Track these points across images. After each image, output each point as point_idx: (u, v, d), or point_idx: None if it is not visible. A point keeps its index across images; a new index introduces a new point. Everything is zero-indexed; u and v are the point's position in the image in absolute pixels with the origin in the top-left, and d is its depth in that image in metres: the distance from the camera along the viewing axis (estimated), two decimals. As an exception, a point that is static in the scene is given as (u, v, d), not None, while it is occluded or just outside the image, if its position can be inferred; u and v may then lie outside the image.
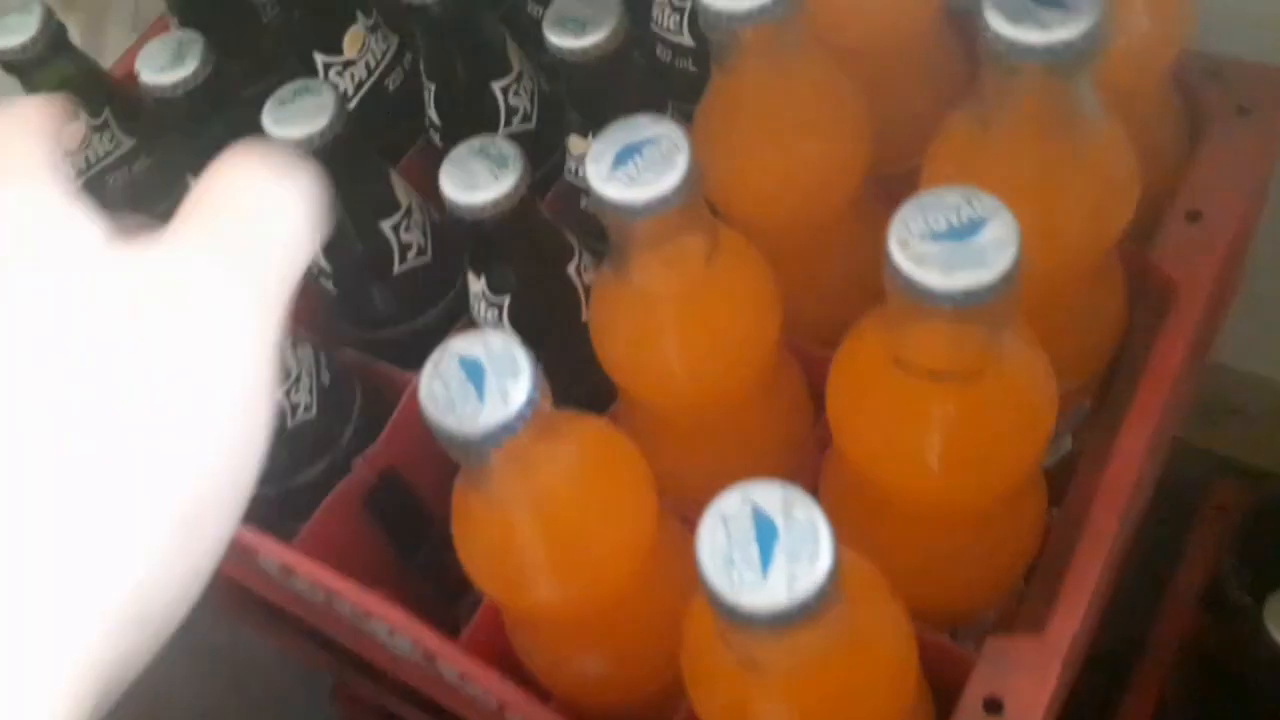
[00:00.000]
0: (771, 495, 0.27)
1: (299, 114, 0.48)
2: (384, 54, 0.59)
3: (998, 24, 0.32)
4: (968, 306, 0.29)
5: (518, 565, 0.36)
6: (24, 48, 0.56)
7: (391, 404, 0.54)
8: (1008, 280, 0.28)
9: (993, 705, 0.38)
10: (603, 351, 0.40)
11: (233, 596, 0.81)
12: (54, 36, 0.57)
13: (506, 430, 0.31)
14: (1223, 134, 0.46)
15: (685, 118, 0.54)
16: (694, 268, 0.36)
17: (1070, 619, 0.38)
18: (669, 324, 0.38)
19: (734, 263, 0.38)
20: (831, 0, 0.42)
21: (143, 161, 0.62)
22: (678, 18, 0.53)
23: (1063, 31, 0.31)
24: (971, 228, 0.29)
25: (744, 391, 0.40)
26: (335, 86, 0.49)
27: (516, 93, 0.55)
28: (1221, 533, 0.72)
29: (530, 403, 0.31)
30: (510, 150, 0.44)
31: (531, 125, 0.56)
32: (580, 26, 0.46)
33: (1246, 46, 0.47)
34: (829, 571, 0.26)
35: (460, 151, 0.45)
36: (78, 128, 0.60)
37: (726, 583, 0.26)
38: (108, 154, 0.61)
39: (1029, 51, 0.31)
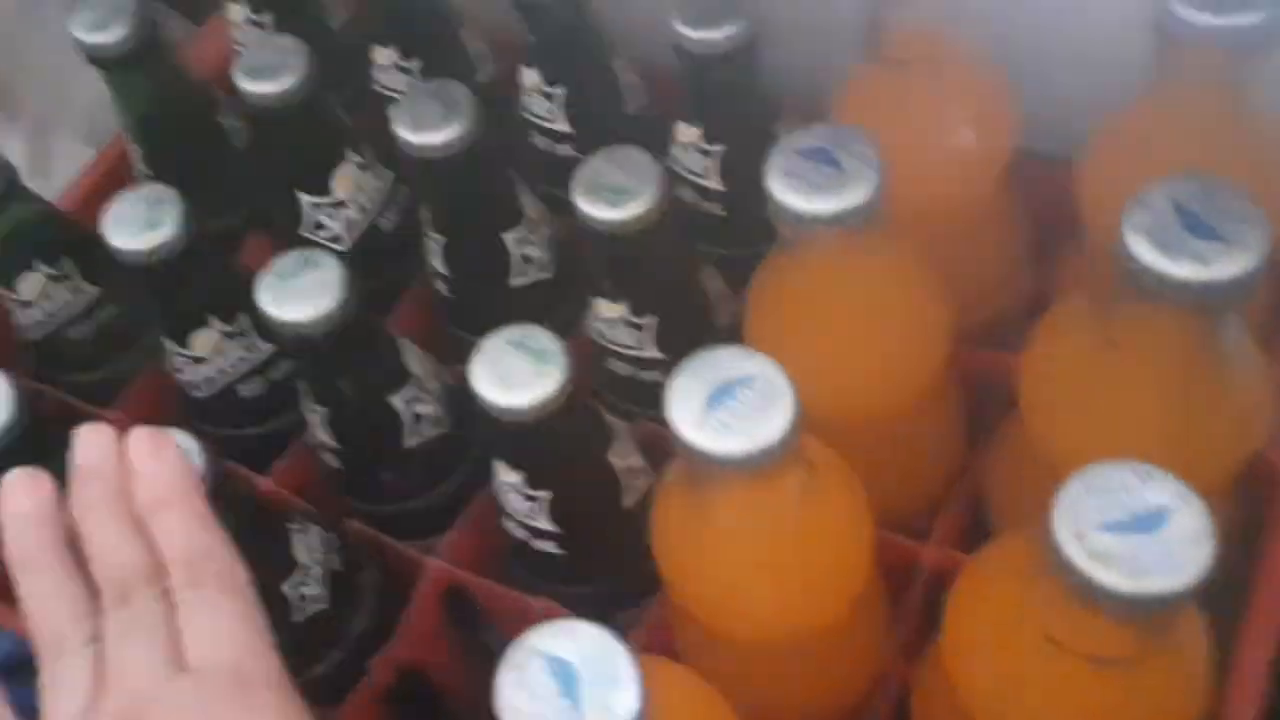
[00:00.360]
0: None
1: (302, 292, 0.43)
2: (378, 193, 0.54)
3: (1146, 255, 0.28)
4: (1156, 610, 0.25)
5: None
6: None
7: (402, 583, 0.49)
8: (1204, 579, 0.25)
9: None
10: (676, 582, 0.36)
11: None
12: (7, 182, 0.51)
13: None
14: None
15: (709, 264, 0.50)
16: (788, 507, 0.32)
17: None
18: (759, 563, 0.33)
19: (830, 494, 0.33)
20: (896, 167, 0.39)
21: (108, 311, 0.56)
22: (706, 161, 0.49)
23: (1224, 268, 0.28)
24: (1156, 518, 0.25)
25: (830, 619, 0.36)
26: (341, 260, 0.44)
27: (530, 243, 0.50)
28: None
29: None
30: (552, 345, 0.40)
31: (548, 275, 0.51)
32: (617, 196, 0.42)
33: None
34: None
35: (495, 344, 0.40)
36: (36, 279, 0.54)
37: None
38: (68, 304, 0.55)
39: (1184, 288, 0.28)
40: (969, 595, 0.32)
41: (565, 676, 0.28)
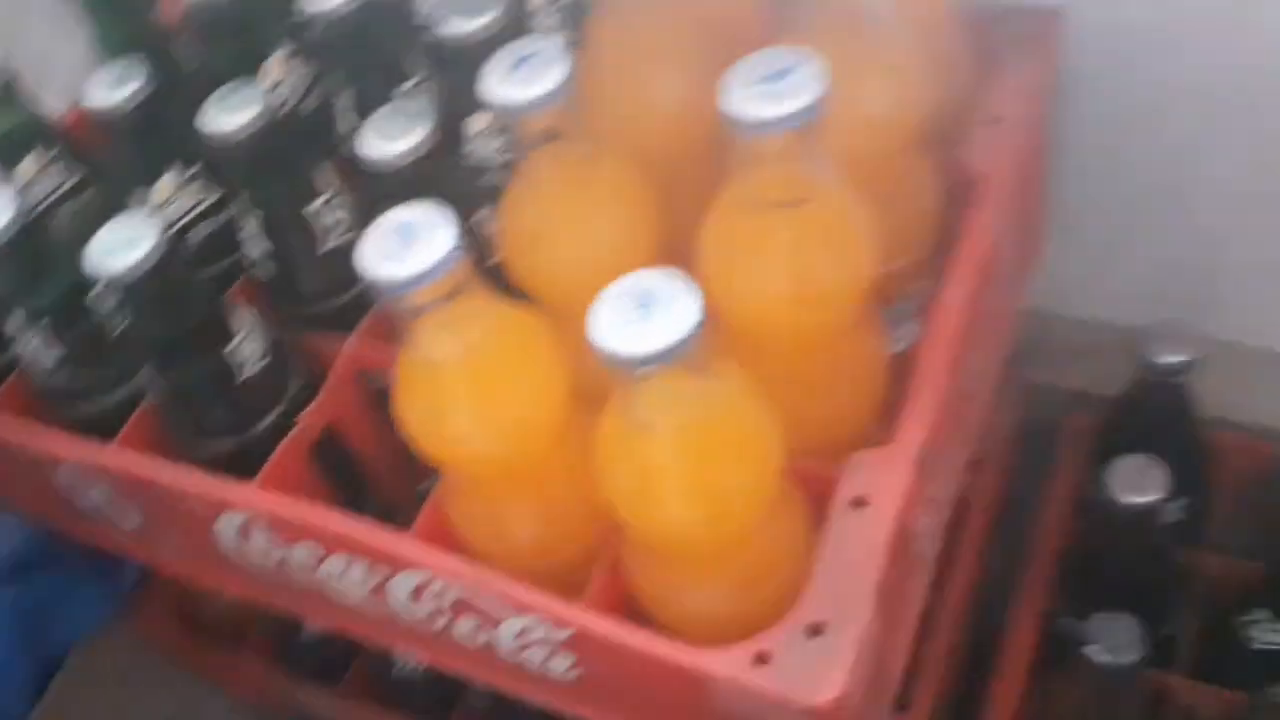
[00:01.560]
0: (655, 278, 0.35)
1: (236, 105, 0.55)
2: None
3: None
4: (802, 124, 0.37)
5: (443, 410, 0.42)
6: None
7: (325, 370, 0.60)
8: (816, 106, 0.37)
9: (859, 502, 0.45)
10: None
11: (179, 640, 0.85)
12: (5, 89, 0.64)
13: (439, 271, 0.38)
14: (1013, 59, 0.57)
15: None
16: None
17: (915, 428, 0.46)
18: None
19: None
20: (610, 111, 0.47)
21: (89, 193, 0.68)
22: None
23: None
24: (781, 73, 0.37)
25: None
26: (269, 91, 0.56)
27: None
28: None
29: (454, 250, 0.39)
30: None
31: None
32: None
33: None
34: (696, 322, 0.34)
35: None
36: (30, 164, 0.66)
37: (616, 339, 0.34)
38: (54, 189, 0.67)
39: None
40: (711, 221, 0.43)
41: (406, 231, 0.39)
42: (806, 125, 0.37)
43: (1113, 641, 0.64)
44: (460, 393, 0.42)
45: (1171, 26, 0.61)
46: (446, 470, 0.50)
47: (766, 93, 0.37)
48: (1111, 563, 0.72)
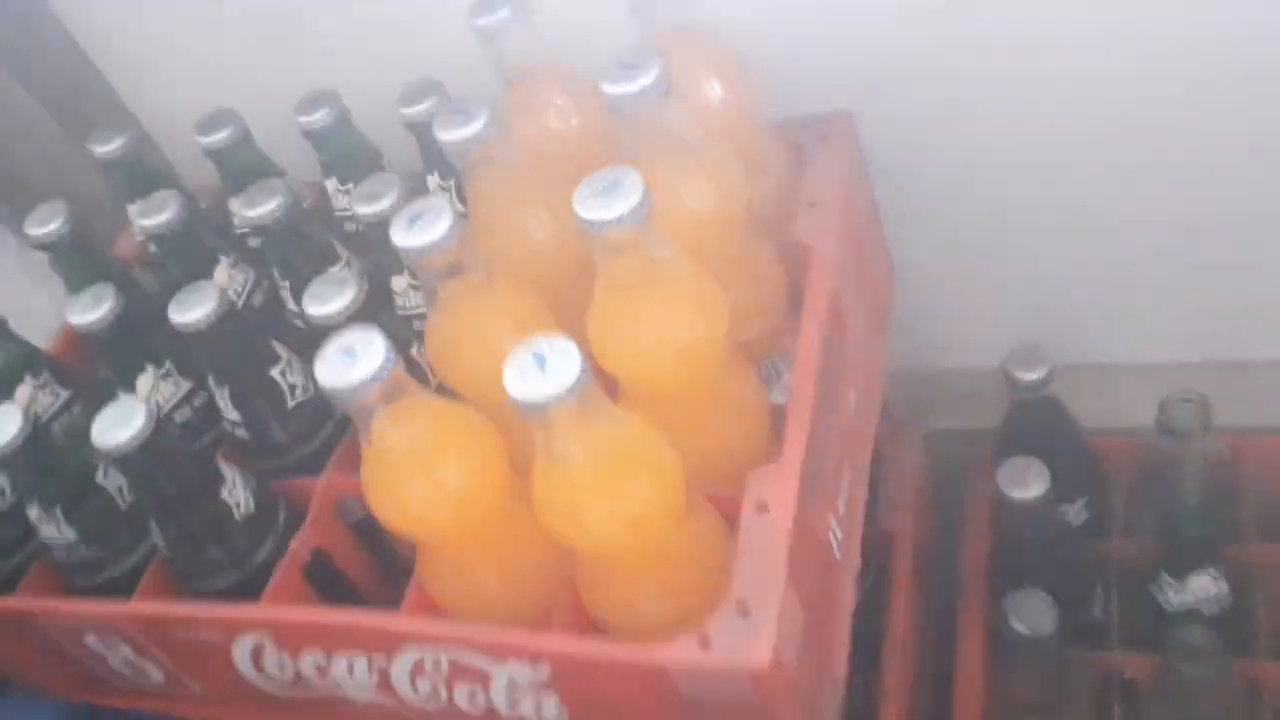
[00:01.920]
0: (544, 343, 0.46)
1: (198, 301, 0.66)
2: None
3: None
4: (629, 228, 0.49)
5: (399, 493, 0.52)
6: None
7: (303, 505, 0.69)
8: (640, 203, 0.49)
9: (761, 507, 0.55)
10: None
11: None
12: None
13: (380, 374, 0.49)
14: (820, 153, 0.70)
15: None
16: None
17: (796, 447, 0.57)
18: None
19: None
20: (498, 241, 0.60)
21: (79, 406, 0.78)
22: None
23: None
24: (612, 186, 0.50)
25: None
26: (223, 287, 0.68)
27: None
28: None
29: (389, 357, 0.50)
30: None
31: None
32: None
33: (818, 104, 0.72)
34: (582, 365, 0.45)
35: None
36: (26, 389, 0.76)
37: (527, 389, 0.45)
38: (51, 405, 0.77)
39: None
40: (593, 310, 0.55)
41: (348, 351, 0.50)
42: (641, 219, 0.49)
43: (1028, 615, 0.73)
44: (416, 472, 0.53)
45: (948, 115, 0.74)
46: (420, 548, 0.59)
47: (605, 201, 0.49)
48: (1023, 556, 0.81)
